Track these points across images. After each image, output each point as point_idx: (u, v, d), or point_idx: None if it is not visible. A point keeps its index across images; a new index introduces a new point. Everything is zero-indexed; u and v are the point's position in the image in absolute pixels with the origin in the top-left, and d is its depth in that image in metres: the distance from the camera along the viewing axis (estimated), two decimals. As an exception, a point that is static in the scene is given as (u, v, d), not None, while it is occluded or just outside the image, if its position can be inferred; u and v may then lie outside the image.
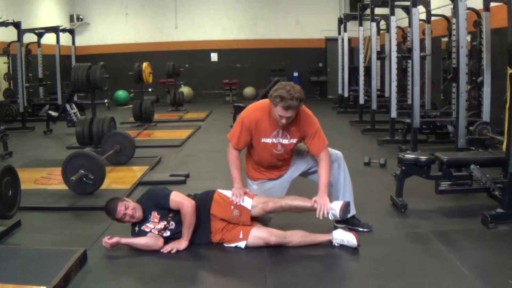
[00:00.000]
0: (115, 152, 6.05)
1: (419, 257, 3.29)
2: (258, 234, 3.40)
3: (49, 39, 11.56)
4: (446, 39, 8.87)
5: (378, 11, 9.81)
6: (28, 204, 4.32)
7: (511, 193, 3.73)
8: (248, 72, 16.01)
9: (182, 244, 3.40)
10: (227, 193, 3.53)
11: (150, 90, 12.53)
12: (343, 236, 3.39)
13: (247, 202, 3.45)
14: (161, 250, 3.38)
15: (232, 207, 3.45)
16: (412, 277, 3.01)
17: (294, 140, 3.56)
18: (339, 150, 3.74)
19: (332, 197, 3.64)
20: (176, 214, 3.44)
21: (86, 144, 6.55)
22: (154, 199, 3.47)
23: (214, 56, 16.27)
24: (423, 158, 4.22)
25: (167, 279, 3.06)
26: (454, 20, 6.49)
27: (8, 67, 11.21)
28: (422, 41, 7.55)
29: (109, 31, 15.89)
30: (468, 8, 5.81)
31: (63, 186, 4.86)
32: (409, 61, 7.76)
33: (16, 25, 9.89)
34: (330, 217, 3.39)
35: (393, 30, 7.65)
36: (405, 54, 8.52)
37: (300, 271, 3.13)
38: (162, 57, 14.33)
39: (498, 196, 3.98)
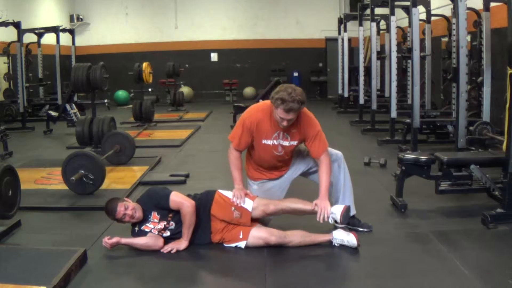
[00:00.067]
0: (115, 152, 6.05)
1: (419, 257, 3.29)
2: (258, 234, 3.40)
3: (49, 39, 11.56)
4: (446, 39, 8.87)
5: (378, 11, 9.81)
6: (28, 204, 4.32)
7: (511, 193, 3.73)
8: (248, 72, 16.01)
9: (182, 244, 3.40)
10: (228, 194, 3.53)
11: (150, 90, 12.54)
12: (343, 236, 3.40)
13: (248, 204, 3.45)
14: (161, 250, 3.38)
15: (233, 208, 3.45)
16: (412, 277, 3.01)
17: (294, 142, 3.56)
18: (339, 150, 3.74)
19: (332, 196, 3.65)
20: (176, 214, 3.43)
21: (86, 144, 6.55)
22: (154, 199, 3.47)
23: (214, 56, 16.28)
24: (423, 158, 4.22)
25: (167, 279, 3.06)
26: (454, 20, 6.49)
27: (8, 67, 11.21)
28: (422, 41, 7.55)
29: (109, 31, 15.89)
30: (468, 8, 5.81)
31: (63, 186, 4.86)
32: (409, 61, 7.77)
33: (16, 25, 9.89)
34: (330, 221, 3.39)
35: (393, 30, 7.65)
36: (405, 54, 8.52)
37: (300, 271, 3.13)
38: (162, 57, 14.34)
39: (498, 196, 3.98)
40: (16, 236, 3.80)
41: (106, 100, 8.68)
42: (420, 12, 6.58)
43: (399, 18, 9.80)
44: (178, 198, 3.41)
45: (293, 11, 15.91)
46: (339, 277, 3.13)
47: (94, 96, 6.64)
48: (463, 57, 5.02)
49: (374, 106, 8.70)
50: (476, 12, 7.12)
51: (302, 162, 3.73)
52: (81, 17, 15.68)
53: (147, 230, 3.45)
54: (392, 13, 7.60)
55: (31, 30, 11.03)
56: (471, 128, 5.58)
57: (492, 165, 4.14)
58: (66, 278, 2.87)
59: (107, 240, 3.38)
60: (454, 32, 6.24)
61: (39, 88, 12.17)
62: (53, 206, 4.55)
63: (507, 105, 3.83)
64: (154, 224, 3.45)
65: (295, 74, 15.65)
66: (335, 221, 3.38)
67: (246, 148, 3.66)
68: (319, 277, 3.07)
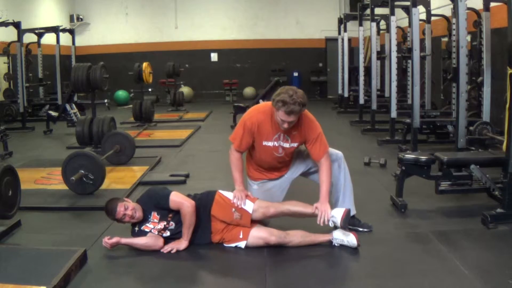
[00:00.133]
0: (115, 152, 6.05)
1: (419, 257, 3.29)
2: (258, 234, 3.40)
3: (49, 39, 11.56)
4: (446, 39, 8.87)
5: (378, 11, 9.81)
6: (28, 204, 4.32)
7: (511, 193, 3.73)
8: (248, 72, 16.01)
9: (182, 244, 3.40)
10: (229, 194, 3.52)
11: (150, 90, 12.54)
12: (343, 236, 3.40)
13: (249, 206, 3.45)
14: (161, 250, 3.38)
15: (233, 209, 3.45)
16: (412, 277, 3.01)
17: (295, 144, 3.56)
18: (339, 150, 3.74)
19: (332, 196, 3.65)
20: (176, 214, 3.43)
21: (86, 144, 6.55)
22: (154, 199, 3.47)
23: (214, 56, 16.28)
24: (423, 158, 4.22)
25: (167, 279, 3.06)
26: (454, 20, 6.49)
27: (8, 67, 11.21)
28: (422, 41, 7.55)
29: (109, 31, 15.89)
30: (468, 8, 5.81)
31: (63, 186, 4.86)
32: (409, 61, 7.77)
33: (16, 25, 9.89)
34: (330, 224, 3.39)
35: (393, 30, 7.65)
36: (405, 54, 8.52)
37: (300, 271, 3.13)
38: (162, 57, 14.34)
39: (498, 196, 3.97)
40: (16, 236, 3.80)
41: (106, 100, 8.68)
42: (420, 12, 6.58)
43: (399, 18, 9.80)
44: (178, 198, 3.40)
45: (293, 11, 15.92)
46: (339, 277, 3.13)
47: (94, 96, 6.64)
48: (463, 57, 5.02)
49: (374, 106, 8.70)
50: (476, 12, 7.12)
51: (302, 163, 3.73)
52: (81, 17, 15.68)
53: (147, 230, 3.44)
54: (392, 13, 7.60)
55: (31, 30, 11.03)
56: (471, 128, 5.58)
57: (492, 165, 4.14)
58: (66, 278, 2.87)
59: (107, 240, 3.38)
60: (454, 32, 6.24)
61: (39, 88, 12.17)
62: (53, 206, 4.55)
63: (507, 105, 3.83)
64: (154, 224, 3.45)
65: (295, 74, 15.65)
66: (335, 225, 3.38)
67: (247, 149, 3.65)
68: (319, 277, 3.06)
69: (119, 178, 5.53)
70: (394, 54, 7.38)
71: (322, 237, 3.45)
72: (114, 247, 3.40)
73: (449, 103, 8.03)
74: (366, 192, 4.66)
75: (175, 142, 7.94)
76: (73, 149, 5.95)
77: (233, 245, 3.44)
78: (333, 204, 3.66)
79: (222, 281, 3.18)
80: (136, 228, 3.48)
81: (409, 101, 8.05)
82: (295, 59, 15.78)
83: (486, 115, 5.94)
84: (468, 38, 6.55)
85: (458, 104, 5.04)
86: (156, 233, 3.44)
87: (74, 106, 9.20)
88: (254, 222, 3.50)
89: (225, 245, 3.47)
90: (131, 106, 11.08)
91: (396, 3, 7.83)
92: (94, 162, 4.82)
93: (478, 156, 4.44)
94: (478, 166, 4.05)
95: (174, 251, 3.37)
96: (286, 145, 3.54)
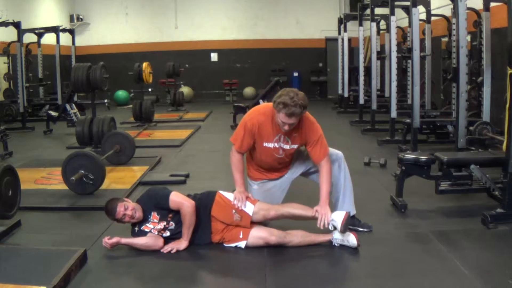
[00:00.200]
0: (115, 152, 6.05)
1: (419, 257, 3.29)
2: (258, 234, 3.40)
3: (49, 39, 11.56)
4: (446, 39, 8.87)
5: (378, 11, 9.81)
6: (28, 204, 4.32)
7: (511, 193, 3.73)
8: (248, 72, 16.01)
9: (182, 244, 3.40)
10: (229, 196, 3.52)
11: (150, 90, 12.53)
12: (343, 236, 3.39)
13: (249, 208, 3.44)
14: (161, 250, 3.38)
15: (233, 211, 3.44)
16: (412, 277, 3.01)
17: (295, 146, 3.56)
18: (339, 150, 3.74)
19: (332, 196, 3.65)
20: (176, 215, 3.43)
21: (86, 144, 6.55)
22: (154, 199, 3.47)
23: (214, 56, 16.28)
24: (423, 158, 4.22)
25: (167, 279, 3.06)
26: (454, 20, 6.49)
27: (8, 67, 11.21)
28: (422, 41, 7.55)
29: (109, 31, 15.89)
30: (468, 8, 5.81)
31: (63, 186, 4.86)
32: (409, 61, 7.76)
33: (16, 25, 9.89)
34: (330, 228, 3.39)
35: (393, 30, 7.65)
36: (405, 54, 8.52)
37: (300, 271, 3.13)
38: (162, 57, 14.34)
39: (498, 196, 3.97)
40: (16, 236, 3.80)
41: (106, 100, 8.68)
42: (420, 12, 6.58)
43: (399, 18, 9.80)
44: (178, 198, 3.40)
45: (293, 11, 15.91)
46: (339, 277, 3.13)
47: (94, 96, 6.64)
48: (463, 57, 5.02)
49: (374, 106, 8.70)
50: (476, 12, 7.12)
51: (302, 163, 3.73)
52: (81, 17, 15.68)
53: (147, 230, 3.44)
54: (392, 13, 7.60)
55: (31, 30, 11.03)
56: (471, 128, 5.58)
57: (492, 165, 4.14)
58: (66, 278, 2.87)
59: (107, 240, 3.38)
60: (454, 32, 6.24)
61: (39, 88, 12.17)
62: (53, 206, 4.55)
63: (507, 105, 3.83)
64: (154, 224, 3.45)
65: (295, 74, 15.64)
66: (335, 228, 3.38)
67: (249, 151, 3.65)
68: (319, 277, 3.06)
69: (119, 178, 5.53)
70: (394, 54, 7.38)
71: (322, 237, 3.45)
72: (114, 247, 3.40)
73: (449, 103, 8.03)
74: (366, 192, 4.66)
75: (175, 142, 7.94)
76: (73, 149, 5.95)
77: (233, 245, 3.44)
78: (333, 204, 3.66)
79: (222, 281, 3.18)
80: (136, 228, 3.48)
81: (409, 101, 8.05)
82: (295, 59, 15.78)
83: (486, 115, 5.94)
84: (468, 38, 6.55)
85: (458, 104, 5.04)
86: (156, 233, 3.44)
87: (74, 106, 9.20)
88: (254, 222, 3.50)
89: (225, 245, 3.47)
90: (131, 106, 11.08)
91: (396, 3, 7.83)
92: (94, 162, 4.82)
93: (478, 156, 4.44)
94: (478, 166, 4.05)
95: (174, 251, 3.37)
96: (286, 146, 3.54)
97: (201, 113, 12.08)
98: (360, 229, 3.67)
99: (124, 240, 3.41)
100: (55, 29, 10.93)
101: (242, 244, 3.41)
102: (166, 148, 7.45)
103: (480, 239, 3.53)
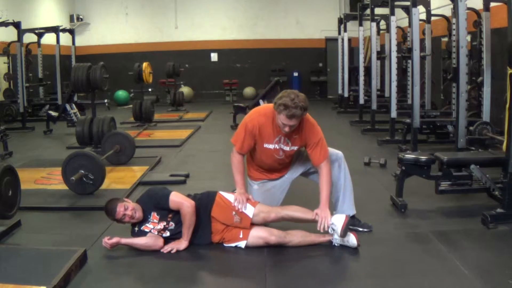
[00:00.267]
0: (115, 152, 6.05)
1: (419, 257, 3.29)
2: (258, 234, 3.40)
3: (49, 39, 11.56)
4: (446, 39, 8.87)
5: (378, 11, 9.81)
6: (28, 204, 4.32)
7: (511, 193, 3.73)
8: (248, 72, 16.01)
9: (182, 244, 3.40)
10: (230, 197, 3.51)
11: (150, 90, 12.54)
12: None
13: (249, 210, 3.44)
14: (161, 250, 3.38)
15: (234, 212, 3.44)
16: (412, 277, 3.01)
17: (294, 148, 3.56)
18: (339, 150, 3.74)
19: (332, 196, 3.65)
20: (176, 215, 3.43)
21: (86, 144, 6.55)
22: (154, 200, 3.47)
23: (214, 56, 16.28)
24: (423, 158, 4.22)
25: (167, 279, 3.06)
26: (454, 20, 6.49)
27: (8, 67, 11.21)
28: (422, 41, 7.55)
29: (109, 31, 15.90)
30: (468, 8, 5.81)
31: (63, 186, 4.86)
32: (409, 61, 7.76)
33: (16, 25, 9.89)
34: (330, 231, 3.38)
35: (393, 30, 7.65)
36: (405, 54, 8.52)
37: (300, 271, 3.13)
38: (162, 57, 14.34)
39: (498, 196, 3.97)
40: (16, 236, 3.80)
41: (106, 100, 8.68)
42: (420, 12, 6.58)
43: (399, 18, 9.80)
44: (177, 198, 3.40)
45: (293, 11, 15.92)
46: (339, 277, 3.13)
47: (94, 96, 6.64)
48: (463, 57, 5.02)
49: (374, 106, 8.70)
50: (476, 12, 7.12)
51: (302, 164, 3.73)
52: (81, 17, 15.68)
53: (146, 230, 3.44)
54: (392, 13, 7.60)
55: (31, 30, 11.03)
56: (471, 128, 5.58)
57: (492, 165, 4.14)
58: (66, 278, 2.87)
59: (107, 241, 3.38)
60: (454, 32, 6.24)
61: (39, 88, 12.18)
62: (53, 206, 4.55)
63: (507, 105, 3.83)
64: (154, 224, 3.45)
65: (295, 74, 15.65)
66: (335, 232, 3.37)
67: (249, 151, 3.65)
68: (319, 277, 3.06)
69: (119, 178, 5.53)
70: (394, 54, 7.38)
71: (322, 237, 3.45)
72: (114, 247, 3.40)
73: (449, 103, 8.03)
74: (366, 192, 4.66)
75: (175, 142, 7.94)
76: (73, 149, 5.95)
77: (233, 244, 3.44)
78: (333, 204, 3.66)
79: (222, 281, 3.18)
80: (136, 228, 3.48)
81: (409, 101, 8.05)
82: (295, 59, 15.78)
83: (486, 115, 5.94)
84: (468, 38, 6.55)
85: (458, 104, 5.04)
86: (156, 233, 3.44)
87: (74, 106, 9.20)
88: (254, 224, 3.50)
89: (225, 245, 3.47)
90: (131, 106, 11.09)
91: (396, 3, 7.83)
92: (94, 162, 4.82)
93: (478, 156, 4.44)
94: (478, 166, 4.05)
95: (174, 251, 3.37)
96: (286, 148, 3.54)
97: (201, 113, 12.08)
98: (360, 229, 3.67)
99: (124, 240, 3.41)
100: (55, 29, 10.94)
101: (242, 244, 3.41)
102: (166, 148, 7.45)
103: (480, 239, 3.53)
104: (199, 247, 3.45)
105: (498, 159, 4.01)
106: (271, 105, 3.46)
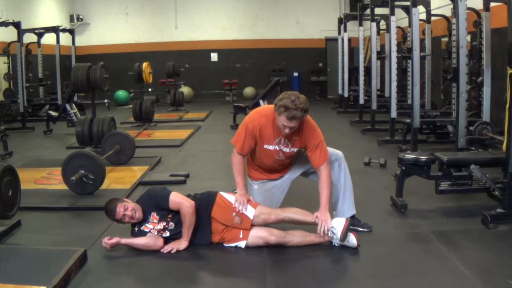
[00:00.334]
0: (115, 152, 6.05)
1: (419, 257, 3.29)
2: (258, 234, 3.40)
3: (49, 39, 11.56)
4: (446, 39, 8.87)
5: (378, 11, 9.81)
6: (28, 204, 4.32)
7: (511, 193, 3.73)
8: (248, 72, 16.01)
9: (182, 244, 3.40)
10: (230, 197, 3.51)
11: (150, 90, 12.55)
12: (343, 237, 3.39)
13: (250, 212, 3.44)
14: (161, 250, 3.38)
15: (234, 213, 3.44)
16: (412, 277, 3.01)
17: (294, 149, 3.56)
18: (339, 150, 3.74)
19: (332, 196, 3.65)
20: (176, 215, 3.43)
21: (86, 144, 6.55)
22: (154, 200, 3.47)
23: (214, 56, 16.28)
24: (423, 158, 4.22)
25: (167, 279, 3.06)
26: (454, 20, 6.49)
27: (8, 67, 11.21)
28: (422, 41, 7.55)
29: (109, 31, 15.90)
30: (468, 8, 5.81)
31: (63, 186, 4.86)
32: (409, 61, 7.77)
33: (16, 25, 9.89)
34: (329, 234, 3.38)
35: (393, 30, 7.65)
36: (405, 54, 8.52)
37: (300, 271, 3.12)
38: (162, 57, 14.35)
39: (498, 196, 3.97)
40: (16, 236, 3.80)
41: (106, 100, 8.70)
42: (420, 12, 6.58)
43: (399, 18, 9.80)
44: (177, 199, 3.40)
45: (293, 11, 15.92)
46: (339, 277, 3.13)
47: (94, 96, 6.64)
48: (463, 57, 5.02)
49: (374, 106, 8.70)
50: (476, 12, 7.12)
51: (302, 164, 3.73)
52: (81, 17, 15.68)
53: (146, 230, 3.44)
54: (392, 13, 7.60)
55: (31, 30, 11.04)
56: (471, 128, 5.58)
57: (492, 165, 4.14)
58: (66, 278, 2.87)
59: (107, 241, 3.38)
60: (454, 32, 6.24)
61: (39, 88, 12.18)
62: (53, 206, 4.55)
63: (507, 105, 3.83)
64: (154, 224, 3.45)
65: (295, 74, 15.65)
66: (335, 236, 3.37)
67: (250, 152, 3.65)
68: (319, 277, 3.06)
69: (119, 178, 5.53)
70: (394, 54, 7.38)
71: (322, 237, 3.44)
72: (114, 247, 3.40)
73: (449, 103, 8.03)
74: (366, 192, 4.66)
75: (175, 142, 7.94)
76: (73, 149, 5.95)
77: (233, 244, 3.44)
78: (333, 204, 3.66)
79: (222, 281, 3.18)
80: (136, 228, 3.48)
81: (409, 101, 8.05)
82: (295, 59, 15.78)
83: (486, 115, 5.94)
84: (468, 38, 6.55)
85: (458, 104, 5.04)
86: (156, 233, 3.44)
87: (74, 106, 9.21)
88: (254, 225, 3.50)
89: (225, 245, 3.47)
90: (131, 106, 11.09)
91: (396, 3, 7.83)
92: (94, 162, 4.82)
93: (478, 156, 4.44)
94: (478, 166, 4.05)
95: (174, 251, 3.37)
96: (286, 149, 3.54)
97: (201, 113, 12.08)
98: (360, 229, 3.67)
99: (124, 241, 3.41)
100: (55, 29, 10.94)
101: (242, 244, 3.41)
102: (166, 148, 7.45)
103: (480, 239, 3.53)
104: (199, 247, 3.45)
105: (498, 159, 4.01)
106: (271, 106, 3.46)
